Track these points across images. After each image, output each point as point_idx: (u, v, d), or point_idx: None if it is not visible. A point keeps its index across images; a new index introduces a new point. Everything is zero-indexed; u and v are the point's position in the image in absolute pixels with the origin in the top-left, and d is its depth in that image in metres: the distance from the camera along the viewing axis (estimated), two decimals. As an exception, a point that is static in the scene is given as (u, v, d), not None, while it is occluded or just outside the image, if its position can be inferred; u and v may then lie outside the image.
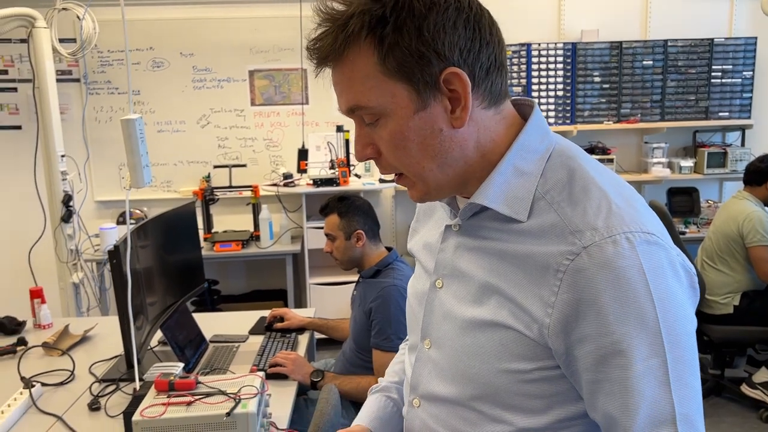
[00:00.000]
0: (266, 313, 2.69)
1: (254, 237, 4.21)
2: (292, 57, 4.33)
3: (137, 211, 4.34)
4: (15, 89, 4.31)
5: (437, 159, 0.83)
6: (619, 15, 4.48)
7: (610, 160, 4.35)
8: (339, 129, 4.15)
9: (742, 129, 4.59)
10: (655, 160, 4.48)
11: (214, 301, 4.18)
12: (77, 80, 4.33)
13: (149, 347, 2.27)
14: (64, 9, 3.82)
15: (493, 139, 0.84)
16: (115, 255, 1.90)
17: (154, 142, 4.41)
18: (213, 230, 4.26)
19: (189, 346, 2.29)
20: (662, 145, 4.49)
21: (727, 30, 4.53)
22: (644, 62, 4.40)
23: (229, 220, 4.46)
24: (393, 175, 0.88)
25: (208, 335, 2.52)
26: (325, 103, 4.45)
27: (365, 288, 2.28)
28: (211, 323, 2.64)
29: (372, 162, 4.22)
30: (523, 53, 4.36)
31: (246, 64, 4.38)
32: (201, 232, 4.16)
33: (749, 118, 4.48)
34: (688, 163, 4.47)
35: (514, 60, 4.37)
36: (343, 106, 0.83)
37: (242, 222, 4.40)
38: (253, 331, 2.58)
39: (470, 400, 0.88)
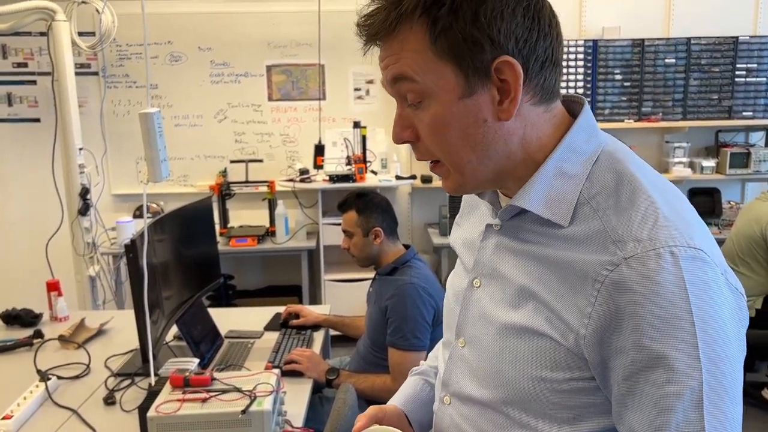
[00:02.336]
0: (281, 309, 2.68)
1: (270, 232, 4.21)
2: (310, 52, 4.31)
3: (154, 205, 4.35)
4: (34, 82, 4.34)
5: (477, 150, 0.80)
6: (642, 12, 4.41)
7: (630, 160, 4.28)
8: (356, 125, 4.13)
9: (767, 129, 4.50)
10: (676, 160, 4.40)
11: (229, 296, 4.18)
12: (96, 73, 4.34)
13: (165, 342, 2.26)
14: (83, 2, 3.83)
15: (539, 137, 0.82)
16: (131, 249, 1.90)
17: (171, 136, 4.40)
18: (229, 225, 4.26)
19: (204, 341, 2.28)
20: (684, 145, 4.42)
21: (752, 28, 4.44)
22: (666, 60, 4.33)
23: (245, 215, 4.46)
24: (429, 162, 0.86)
25: (223, 330, 2.51)
26: (342, 98, 4.43)
27: (381, 285, 2.26)
28: (226, 318, 2.63)
29: (388, 159, 4.22)
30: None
31: (263, 58, 4.37)
32: (217, 227, 4.17)
33: (774, 117, 4.40)
34: (710, 163, 4.40)
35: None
36: (389, 75, 0.81)
37: (258, 217, 4.39)
38: (268, 327, 2.57)
39: (501, 404, 0.86)
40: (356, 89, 4.44)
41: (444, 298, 1.05)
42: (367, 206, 2.30)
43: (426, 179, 4.35)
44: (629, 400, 0.75)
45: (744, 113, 4.39)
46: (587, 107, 0.85)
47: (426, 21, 0.76)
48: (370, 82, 4.42)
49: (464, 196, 1.05)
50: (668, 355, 0.70)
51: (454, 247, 1.04)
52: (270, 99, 4.43)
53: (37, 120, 4.36)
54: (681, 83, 4.35)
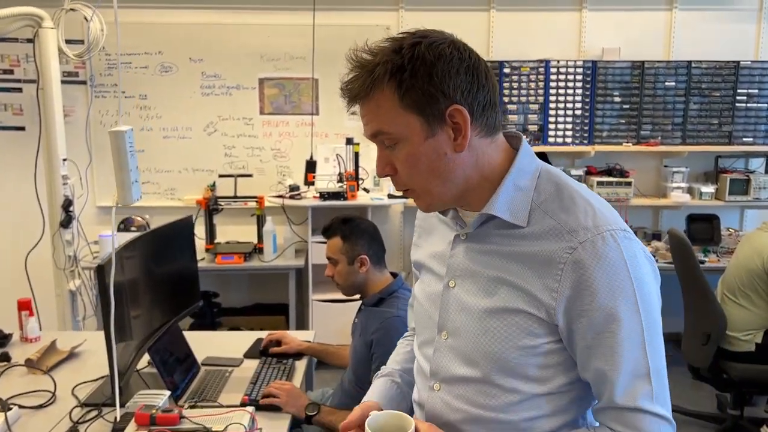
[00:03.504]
0: (264, 334, 2.56)
1: (257, 249, 4.09)
2: (303, 66, 4.22)
3: (139, 219, 4.23)
4: (20, 89, 4.23)
5: (442, 177, 1.03)
6: (642, 34, 4.34)
7: (628, 184, 4.20)
8: (349, 141, 4.03)
9: (767, 156, 4.42)
10: (674, 185, 4.32)
11: (213, 314, 4.05)
12: (84, 82, 4.24)
13: (137, 369, 2.14)
14: (71, 9, 3.73)
15: (490, 162, 1.06)
16: (101, 273, 1.78)
17: (160, 148, 4.31)
18: (216, 241, 4.15)
19: (179, 370, 2.16)
20: (683, 170, 4.33)
21: (753, 53, 4.38)
22: (666, 83, 4.26)
23: (233, 231, 4.34)
24: (403, 191, 1.08)
25: (201, 356, 2.40)
26: (335, 114, 4.34)
27: (367, 317, 2.15)
28: (205, 343, 2.51)
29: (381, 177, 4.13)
30: (541, 70, 4.23)
31: (256, 71, 4.27)
32: (203, 243, 4.06)
33: (774, 144, 4.32)
34: (709, 189, 4.31)
35: (531, 77, 4.24)
36: (369, 132, 1.04)
37: (246, 233, 4.28)
38: (249, 355, 2.45)
39: (490, 375, 1.06)
40: (350, 105, 4.33)
41: (416, 307, 1.23)
42: (353, 232, 2.19)
43: (419, 198, 4.24)
44: (593, 351, 1.00)
45: (744, 139, 4.32)
46: (524, 138, 1.11)
47: (394, 83, 0.98)
48: (365, 97, 4.32)
49: (418, 222, 1.31)
50: (618, 310, 0.97)
51: (420, 262, 1.25)
52: (261, 112, 4.33)
53: (22, 128, 4.25)
54: (681, 107, 4.28)
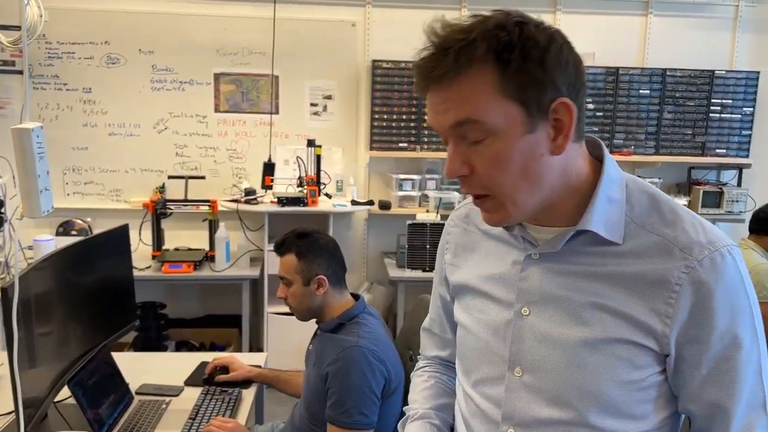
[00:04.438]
0: (211, 357, 2.30)
1: (209, 257, 3.80)
2: (263, 62, 3.94)
3: (80, 222, 3.91)
4: (-51, 78, 3.86)
5: (532, 182, 0.88)
6: (617, 39, 4.19)
7: (601, 194, 4.04)
8: (310, 143, 3.77)
9: (740, 168, 4.33)
10: (647, 196, 4.18)
11: (160, 327, 3.75)
12: (20, 72, 3.88)
13: (55, 402, 1.86)
14: (7, -8, 3.41)
15: (578, 170, 0.92)
16: (5, 297, 1.50)
17: (105, 146, 3.98)
18: (164, 247, 3.84)
19: (106, 402, 1.88)
20: (655, 180, 4.19)
21: (728, 62, 4.27)
22: (641, 91, 4.12)
23: (184, 237, 4.04)
24: (469, 196, 0.95)
25: (137, 382, 2.13)
26: (296, 114, 4.07)
27: (323, 344, 1.90)
28: (143, 366, 2.25)
29: (344, 182, 3.87)
30: (514, 73, 4.04)
31: (211, 66, 3.98)
32: (149, 250, 3.76)
33: (747, 156, 4.22)
34: (681, 201, 4.18)
35: (503, 80, 4.04)
36: (450, 120, 0.87)
37: (198, 240, 3.98)
38: (190, 382, 2.19)
39: (586, 416, 0.92)
40: (312, 104, 4.09)
41: (465, 338, 1.07)
42: (310, 249, 1.94)
43: (384, 205, 4.02)
44: (709, 380, 0.89)
45: (717, 150, 4.21)
46: (603, 145, 0.98)
47: (497, 64, 0.83)
48: (329, 97, 4.08)
49: (450, 237, 1.15)
50: (739, 334, 0.87)
51: (469, 285, 1.07)
52: (217, 110, 4.04)
53: (-49, 120, 3.88)
54: (655, 115, 4.14)
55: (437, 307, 1.23)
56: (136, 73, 3.94)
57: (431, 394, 1.22)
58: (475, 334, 1.04)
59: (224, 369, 2.20)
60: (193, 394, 2.10)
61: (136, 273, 3.59)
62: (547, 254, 0.96)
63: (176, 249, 3.94)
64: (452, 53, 0.83)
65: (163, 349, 3.74)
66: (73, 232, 3.85)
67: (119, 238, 2.19)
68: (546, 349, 0.95)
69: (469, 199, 1.12)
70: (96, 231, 3.99)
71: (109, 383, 1.96)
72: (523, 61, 0.83)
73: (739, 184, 4.34)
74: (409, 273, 3.76)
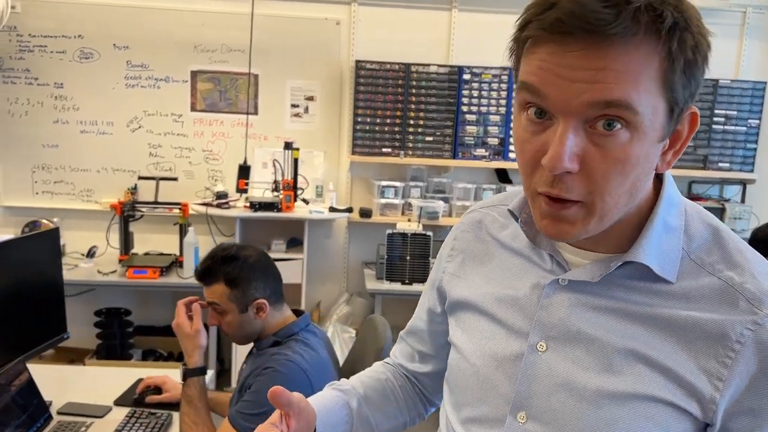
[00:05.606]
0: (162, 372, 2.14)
1: (178, 263, 3.62)
2: (242, 59, 3.77)
3: (46, 222, 3.75)
4: None
5: (632, 197, 0.72)
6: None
7: (594, 207, 3.82)
8: (287, 146, 3.59)
9: (743, 183, 4.09)
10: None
11: (124, 335, 3.57)
12: (-10, 65, 3.74)
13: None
14: (-28, -19, 3.26)
15: (647, 188, 0.76)
16: None
17: (76, 144, 3.82)
18: (132, 251, 3.67)
19: (13, 425, 1.70)
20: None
21: (734, 71, 4.05)
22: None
23: (156, 241, 3.87)
24: (552, 201, 0.71)
25: (63, 400, 1.96)
26: (276, 115, 3.90)
27: (255, 362, 1.71)
28: (78, 382, 2.10)
29: (324, 187, 3.69)
30: (505, 78, 3.84)
31: (188, 63, 3.81)
32: (117, 253, 3.59)
33: (752, 171, 3.98)
34: (680, 216, 3.96)
35: (493, 85, 3.85)
36: (600, 96, 0.65)
37: (170, 244, 3.81)
38: (121, 401, 2.01)
39: None
40: (294, 105, 3.91)
41: (461, 365, 0.88)
42: (241, 274, 1.73)
43: (365, 213, 3.83)
44: None
45: (720, 164, 3.98)
46: None
47: (669, 46, 0.65)
48: (310, 98, 3.90)
49: (456, 242, 0.96)
50: None
51: (472, 303, 0.89)
52: (193, 109, 3.86)
53: None
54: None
55: (419, 318, 1.06)
56: (110, 69, 3.78)
57: (372, 385, 1.05)
58: (474, 364, 0.87)
59: (157, 389, 2.01)
60: (119, 415, 1.92)
61: (100, 278, 3.45)
62: (579, 283, 0.79)
63: (146, 254, 3.76)
64: (632, 10, 0.63)
65: (128, 357, 3.57)
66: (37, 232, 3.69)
67: (49, 242, 2.01)
68: (561, 396, 0.78)
69: (483, 202, 0.98)
70: (63, 232, 3.83)
71: (20, 402, 1.77)
72: (694, 53, 0.67)
73: (742, 201, 4.10)
74: (387, 285, 3.56)
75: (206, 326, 1.85)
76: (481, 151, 3.88)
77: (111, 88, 3.80)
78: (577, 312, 0.78)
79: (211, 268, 1.75)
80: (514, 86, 0.74)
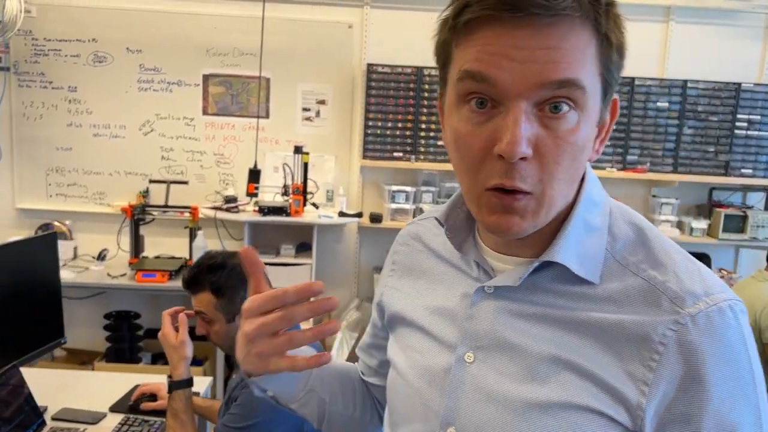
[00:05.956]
0: (160, 378, 2.11)
1: (188, 266, 3.61)
2: (253, 63, 3.75)
3: (58, 225, 3.77)
4: (-66, 73, 3.77)
5: (571, 187, 0.71)
6: (634, 47, 3.76)
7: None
8: (297, 150, 3.57)
9: (767, 190, 3.97)
10: (662, 218, 3.85)
11: (133, 338, 3.57)
12: (7, 69, 3.78)
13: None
14: (-13, -14, 3.30)
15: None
16: None
17: (89, 147, 3.85)
18: (143, 254, 3.68)
19: (7, 430, 1.69)
20: (672, 201, 3.87)
21: (757, 75, 3.92)
22: (658, 104, 3.80)
23: (167, 244, 3.87)
24: (503, 194, 0.67)
25: (59, 405, 1.95)
26: (287, 118, 3.88)
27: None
28: (72, 388, 2.08)
29: (335, 192, 3.66)
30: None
31: (200, 66, 3.81)
32: (127, 256, 3.60)
33: (776, 178, 3.86)
34: (701, 224, 3.85)
35: (508, 88, 3.77)
36: (554, 75, 0.63)
37: (180, 248, 3.80)
38: (116, 408, 2.00)
39: None
40: (305, 109, 3.88)
41: (396, 383, 0.84)
42: (228, 283, 1.70)
43: (375, 218, 3.78)
44: None
45: (743, 170, 3.86)
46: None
47: (606, 27, 0.66)
48: (322, 102, 3.87)
49: (396, 257, 0.93)
50: (737, 419, 0.67)
51: (405, 317, 0.86)
52: (205, 113, 3.86)
53: (-65, 117, 3.79)
54: (673, 131, 3.82)
55: (367, 334, 1.03)
56: (123, 73, 3.80)
57: (342, 366, 1.02)
58: (407, 380, 0.83)
59: (153, 397, 1.99)
60: (113, 422, 1.92)
61: (110, 281, 3.45)
62: (504, 289, 0.75)
63: (157, 257, 3.77)
64: None
65: (137, 360, 3.57)
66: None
67: (46, 246, 2.01)
68: (489, 410, 0.74)
69: (421, 215, 0.96)
70: (76, 235, 3.87)
71: (12, 409, 1.77)
72: (622, 35, 0.69)
73: (766, 208, 3.98)
74: (396, 291, 3.51)
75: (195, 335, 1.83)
76: (494, 156, 3.80)
77: (124, 91, 3.81)
78: (503, 320, 0.75)
79: (197, 277, 1.72)
80: (455, 80, 0.69)
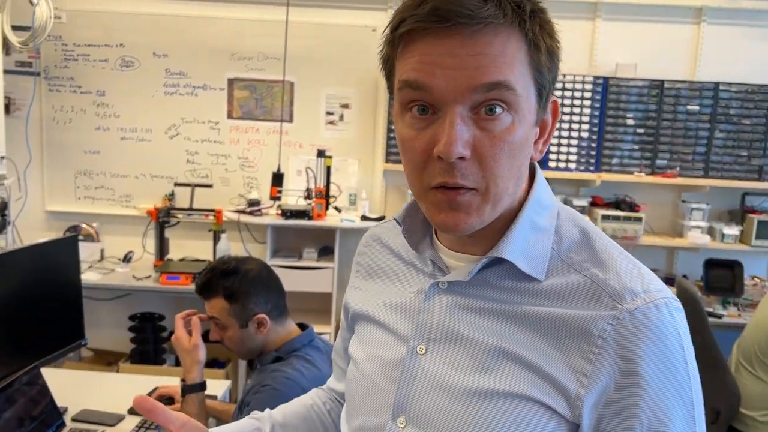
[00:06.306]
0: (174, 382, 2.12)
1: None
2: (277, 67, 3.77)
3: (86, 227, 3.83)
4: (-32, 78, 3.85)
5: (518, 182, 0.76)
6: (664, 49, 3.80)
7: (638, 219, 3.65)
8: (320, 154, 3.57)
9: (803, 196, 3.85)
10: (693, 224, 3.76)
11: (158, 340, 3.61)
12: (38, 74, 3.85)
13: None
14: (19, -8, 3.37)
15: (522, 186, 0.79)
16: None
17: (116, 150, 3.90)
18: (167, 257, 3.71)
19: (27, 430, 1.71)
20: (703, 207, 3.77)
21: (793, 77, 3.81)
22: (689, 107, 3.71)
23: (192, 247, 3.90)
24: (449, 190, 0.71)
25: (80, 406, 1.97)
26: (311, 122, 3.88)
27: (257, 378, 1.67)
28: (93, 390, 2.10)
29: (358, 195, 3.65)
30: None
31: (225, 71, 3.84)
32: (152, 259, 3.64)
33: (812, 183, 3.74)
34: (732, 230, 3.74)
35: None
36: (482, 79, 0.68)
37: (205, 251, 3.83)
38: (134, 410, 2.00)
39: None
40: (329, 113, 3.88)
41: (353, 375, 0.88)
42: (241, 288, 1.70)
43: (398, 222, 3.75)
44: None
45: (777, 175, 3.75)
46: (537, 166, 0.83)
47: (532, 32, 0.71)
48: (345, 106, 3.87)
49: (359, 258, 0.99)
50: (671, 413, 0.70)
51: (366, 314, 0.91)
52: (230, 116, 3.89)
53: (-32, 121, 3.87)
54: (704, 135, 3.73)
55: (339, 336, 1.08)
56: (150, 77, 3.85)
57: (294, 410, 1.05)
58: (363, 372, 0.87)
59: (170, 399, 2.00)
60: (131, 424, 1.93)
61: (135, 282, 3.49)
62: (456, 284, 0.80)
63: (181, 259, 3.80)
64: (499, 3, 0.68)
65: (161, 362, 3.60)
66: (80, 238, 3.77)
67: (68, 248, 2.03)
68: (437, 398, 0.77)
69: (385, 220, 1.01)
70: (102, 237, 3.92)
71: (33, 408, 1.78)
72: (552, 39, 0.73)
73: (801, 214, 3.85)
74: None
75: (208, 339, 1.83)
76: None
77: (150, 95, 3.86)
78: (454, 313, 0.80)
79: (211, 282, 1.72)
80: (395, 90, 0.74)
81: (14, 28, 3.40)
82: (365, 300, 0.93)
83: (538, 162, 0.83)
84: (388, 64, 0.75)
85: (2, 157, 3.39)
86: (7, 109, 3.72)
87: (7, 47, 3.49)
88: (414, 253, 0.87)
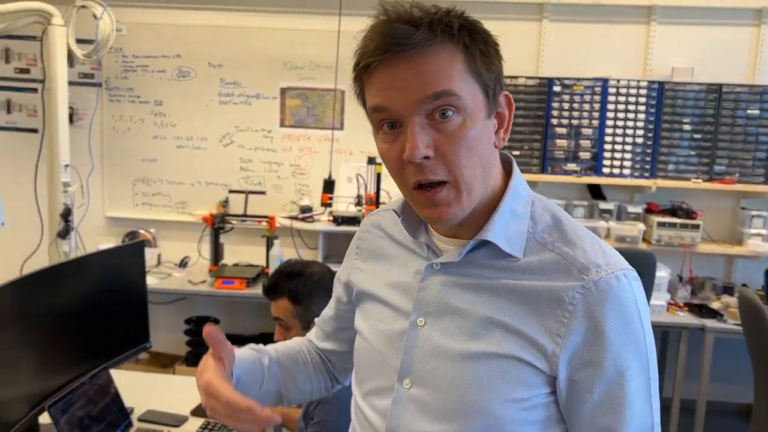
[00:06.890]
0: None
1: (265, 274, 3.71)
2: (329, 76, 3.83)
3: (144, 233, 3.95)
4: (35, 90, 4.02)
5: (486, 171, 0.88)
6: (721, 52, 3.71)
7: (696, 227, 3.56)
8: (371, 161, 3.60)
9: None
10: (753, 231, 3.64)
11: (212, 343, 3.68)
12: (100, 85, 4.00)
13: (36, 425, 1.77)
14: (83, 7, 3.50)
15: (494, 178, 0.92)
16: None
17: (173, 158, 4.01)
18: (222, 262, 3.79)
19: (97, 430, 1.77)
20: (763, 214, 3.66)
21: None
22: (748, 111, 3.61)
23: (246, 252, 3.98)
24: (425, 189, 0.86)
25: (146, 406, 2.03)
26: (361, 130, 3.91)
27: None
28: (157, 391, 2.16)
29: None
30: (598, 89, 3.67)
31: (278, 80, 3.91)
32: (207, 264, 3.73)
33: None
34: (795, 238, 3.62)
35: (586, 97, 3.69)
36: (427, 91, 0.82)
37: (258, 256, 3.90)
38: (197, 411, 2.05)
39: None
40: (379, 120, 3.91)
41: (361, 347, 1.03)
42: (304, 291, 1.73)
43: (448, 229, 3.76)
44: (601, 405, 0.86)
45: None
46: (514, 161, 0.98)
47: (464, 42, 0.83)
48: (396, 113, 3.88)
49: (358, 242, 1.11)
50: (630, 361, 0.86)
51: (369, 292, 1.04)
52: (282, 125, 3.96)
53: (35, 130, 4.03)
54: (765, 140, 3.62)
55: (329, 307, 1.21)
56: (205, 87, 3.95)
57: (285, 352, 1.17)
58: (371, 343, 1.01)
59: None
60: (194, 425, 1.97)
61: (190, 287, 3.58)
62: (448, 265, 0.94)
63: (235, 264, 3.88)
64: (426, 24, 0.81)
65: (215, 365, 3.67)
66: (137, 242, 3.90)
67: (134, 254, 2.10)
68: (436, 362, 0.92)
69: (381, 207, 1.14)
70: (160, 242, 4.03)
71: (102, 409, 1.85)
72: (485, 45, 0.85)
73: None
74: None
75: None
76: (572, 166, 3.72)
77: (205, 105, 3.96)
78: (447, 290, 0.93)
79: (277, 284, 1.76)
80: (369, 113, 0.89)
81: (78, 41, 3.54)
82: (368, 281, 1.05)
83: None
84: (360, 94, 0.90)
85: (67, 165, 3.53)
86: (71, 119, 3.86)
87: (71, 59, 3.64)
88: (410, 238, 0.99)
